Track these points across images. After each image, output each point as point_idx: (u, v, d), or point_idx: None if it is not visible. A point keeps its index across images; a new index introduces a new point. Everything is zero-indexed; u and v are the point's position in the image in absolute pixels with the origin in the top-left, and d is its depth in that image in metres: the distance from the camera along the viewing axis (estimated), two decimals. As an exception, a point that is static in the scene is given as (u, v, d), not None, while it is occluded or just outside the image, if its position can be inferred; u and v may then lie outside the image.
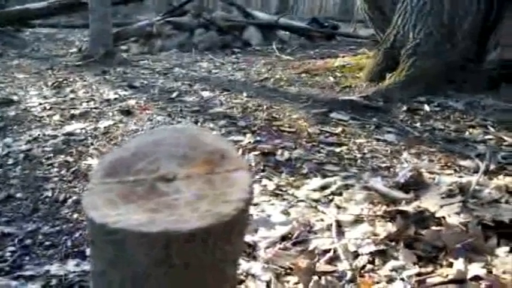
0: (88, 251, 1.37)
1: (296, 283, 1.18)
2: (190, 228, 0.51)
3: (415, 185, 1.75)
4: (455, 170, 1.93)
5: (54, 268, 1.28)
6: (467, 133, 2.53)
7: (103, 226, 0.52)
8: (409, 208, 1.49)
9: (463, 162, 2.01)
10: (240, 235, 0.60)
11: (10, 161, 2.09)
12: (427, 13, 3.21)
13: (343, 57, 4.59)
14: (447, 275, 1.21)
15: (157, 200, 0.55)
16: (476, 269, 1.22)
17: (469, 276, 1.20)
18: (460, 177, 1.85)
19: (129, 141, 0.64)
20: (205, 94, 3.37)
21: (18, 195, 1.76)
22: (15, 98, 3.29)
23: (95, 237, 0.56)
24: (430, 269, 1.25)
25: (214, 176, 0.58)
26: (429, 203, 1.57)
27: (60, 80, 3.92)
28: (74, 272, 1.27)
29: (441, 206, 1.54)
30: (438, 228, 1.41)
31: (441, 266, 1.26)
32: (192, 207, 0.54)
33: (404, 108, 2.85)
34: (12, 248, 1.38)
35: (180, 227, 0.51)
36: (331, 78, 3.81)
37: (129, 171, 0.58)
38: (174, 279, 0.55)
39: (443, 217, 1.47)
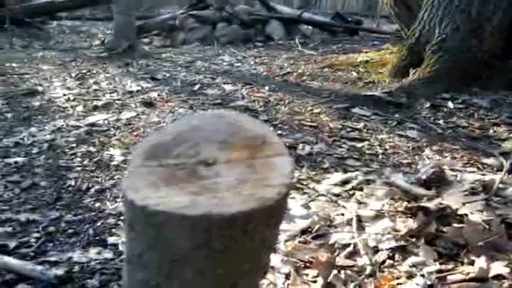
0: (109, 240, 1.39)
1: (315, 276, 1.18)
2: (233, 211, 0.50)
3: (437, 182, 1.73)
4: (478, 168, 1.90)
5: (77, 255, 1.30)
6: (491, 131, 2.49)
7: (144, 208, 0.52)
8: (431, 205, 1.48)
9: (486, 160, 1.98)
10: (278, 221, 0.59)
11: (35, 150, 2.13)
12: (455, 8, 3.14)
13: (366, 52, 4.55)
14: (468, 273, 1.20)
15: (198, 183, 0.54)
16: (498, 267, 1.20)
17: (491, 274, 1.18)
18: (483, 175, 1.82)
19: (168, 126, 0.64)
20: (227, 87, 3.37)
21: (43, 183, 1.79)
22: (40, 88, 3.34)
23: (134, 220, 0.55)
24: (450, 266, 1.23)
25: (255, 160, 0.58)
26: (451, 200, 1.55)
27: (84, 71, 3.97)
28: (96, 259, 1.29)
29: (463, 204, 1.52)
30: (460, 225, 1.39)
31: (462, 263, 1.25)
32: (234, 191, 0.53)
33: (428, 104, 2.82)
34: (36, 235, 1.41)
35: (222, 211, 0.50)
36: (354, 74, 3.78)
37: (170, 155, 0.58)
38: (212, 263, 0.55)
39: (466, 214, 1.45)
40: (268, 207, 0.52)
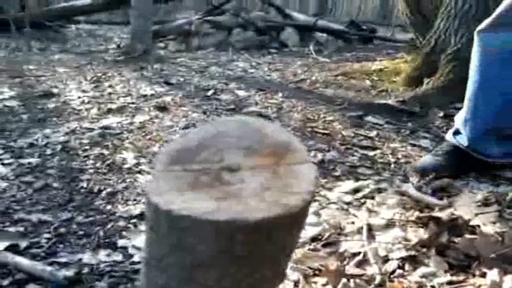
0: (119, 243, 1.39)
1: (324, 284, 1.17)
2: (258, 218, 0.50)
3: (449, 192, 1.72)
4: (491, 179, 1.88)
5: (87, 257, 1.31)
6: (506, 142, 2.46)
7: (168, 212, 0.52)
8: (443, 215, 1.46)
9: (499, 172, 1.95)
10: (300, 228, 0.59)
11: (48, 152, 2.15)
12: (472, 18, 3.10)
13: (380, 61, 4.54)
14: (480, 286, 1.18)
15: (223, 189, 0.54)
16: (511, 281, 1.18)
17: None
18: (497, 186, 1.81)
19: (192, 130, 0.64)
20: (241, 93, 3.38)
21: (55, 184, 1.80)
22: (55, 91, 3.38)
23: (157, 223, 0.55)
24: (462, 277, 1.22)
25: (280, 167, 0.58)
26: (463, 210, 1.54)
27: (99, 74, 4.01)
28: (105, 262, 1.29)
29: (476, 215, 1.51)
30: (472, 236, 1.38)
31: (474, 275, 1.23)
32: (259, 197, 0.53)
33: (441, 114, 2.80)
34: (47, 235, 1.42)
35: (247, 216, 0.50)
36: (368, 82, 3.77)
37: (194, 160, 0.58)
38: (233, 269, 0.55)
39: (478, 226, 1.43)
40: (293, 214, 0.52)
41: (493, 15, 1.83)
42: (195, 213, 0.51)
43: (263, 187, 0.54)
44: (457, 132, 1.99)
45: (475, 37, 1.91)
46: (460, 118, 1.99)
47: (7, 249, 1.31)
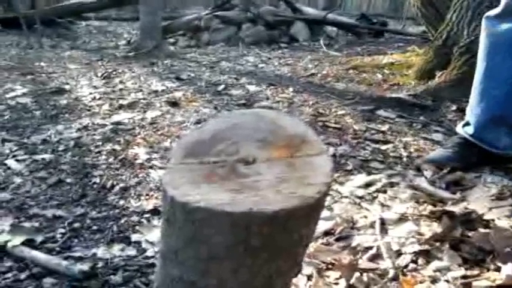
0: (133, 237, 1.40)
1: (337, 278, 1.17)
2: (275, 209, 0.50)
3: (462, 186, 1.71)
4: (505, 172, 1.86)
5: (101, 251, 1.32)
6: (520, 135, 2.43)
7: (184, 205, 0.52)
8: (456, 209, 1.46)
9: (514, 165, 1.94)
10: (316, 220, 0.59)
11: (61, 148, 2.16)
12: (485, 9, 3.05)
13: (391, 54, 4.51)
14: (494, 280, 1.17)
15: (238, 181, 0.54)
16: (525, 274, 1.17)
17: (518, 282, 1.16)
18: (511, 179, 1.79)
19: (207, 123, 0.64)
20: (252, 88, 3.38)
21: (68, 180, 1.81)
22: (67, 87, 3.40)
23: (173, 216, 0.56)
24: (476, 272, 1.21)
25: (295, 159, 0.58)
26: (477, 204, 1.52)
27: (110, 71, 4.03)
28: (120, 256, 1.30)
29: (490, 209, 1.50)
30: (486, 230, 1.37)
31: (488, 269, 1.22)
32: (275, 189, 0.53)
33: (454, 107, 2.77)
34: (62, 230, 1.44)
35: (264, 208, 0.50)
36: (379, 75, 3.75)
37: (209, 153, 0.58)
38: (249, 260, 0.55)
39: (492, 220, 1.42)
40: (309, 206, 0.52)
41: (502, 3, 1.81)
42: (211, 204, 0.51)
43: (279, 179, 0.54)
44: (466, 124, 1.98)
45: (483, 24, 1.90)
46: (468, 108, 1.99)
47: (23, 243, 1.33)
